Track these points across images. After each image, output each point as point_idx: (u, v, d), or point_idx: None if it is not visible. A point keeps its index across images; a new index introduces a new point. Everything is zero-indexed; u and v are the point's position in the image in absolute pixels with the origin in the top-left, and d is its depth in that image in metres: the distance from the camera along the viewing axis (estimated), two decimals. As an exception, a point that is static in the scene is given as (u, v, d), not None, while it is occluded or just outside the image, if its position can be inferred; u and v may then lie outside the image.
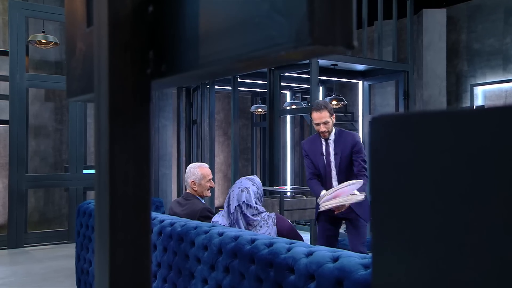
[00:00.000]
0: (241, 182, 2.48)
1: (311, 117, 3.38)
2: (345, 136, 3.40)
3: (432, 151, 0.33)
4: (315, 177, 3.47)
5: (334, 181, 3.40)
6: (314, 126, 3.39)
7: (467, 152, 0.32)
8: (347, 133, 3.43)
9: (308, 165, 3.51)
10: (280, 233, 2.32)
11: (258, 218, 2.36)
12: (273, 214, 2.39)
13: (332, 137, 3.41)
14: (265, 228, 2.32)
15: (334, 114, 3.41)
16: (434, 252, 0.34)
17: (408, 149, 0.34)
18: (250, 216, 2.36)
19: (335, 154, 3.40)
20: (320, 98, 7.06)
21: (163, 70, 0.54)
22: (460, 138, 0.32)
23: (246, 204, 2.38)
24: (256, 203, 2.40)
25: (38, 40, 5.88)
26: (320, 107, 3.34)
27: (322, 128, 3.33)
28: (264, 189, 5.30)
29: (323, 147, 3.41)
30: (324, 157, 3.42)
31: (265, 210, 2.42)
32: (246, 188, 2.43)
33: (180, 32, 0.51)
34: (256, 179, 2.52)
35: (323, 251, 1.56)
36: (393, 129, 0.35)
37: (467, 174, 0.32)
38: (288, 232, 2.34)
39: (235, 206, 2.39)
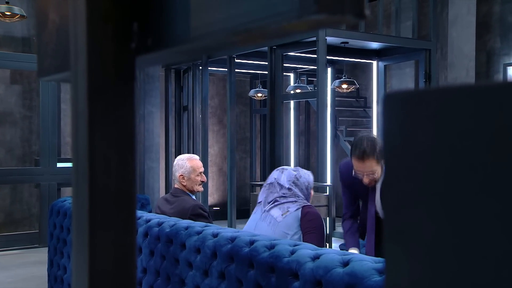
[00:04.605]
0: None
1: (351, 159, 2.68)
2: None
3: (454, 132, 0.34)
4: (352, 219, 2.93)
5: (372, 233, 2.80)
6: (355, 171, 2.67)
7: (493, 132, 0.32)
8: None
9: (345, 202, 2.98)
10: (303, 222, 2.41)
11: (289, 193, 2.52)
12: (306, 202, 2.53)
13: (380, 183, 2.69)
14: (292, 207, 2.46)
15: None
16: (454, 254, 0.35)
17: (427, 130, 0.35)
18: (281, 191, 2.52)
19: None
20: (329, 81, 7.06)
21: (150, 44, 0.54)
22: (486, 117, 0.33)
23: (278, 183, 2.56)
24: (290, 185, 2.54)
25: (1, 12, 5.85)
26: (362, 154, 2.55)
27: (366, 179, 2.64)
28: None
29: (367, 190, 2.78)
30: (369, 203, 2.81)
31: (304, 198, 2.54)
32: (284, 169, 2.64)
33: (168, 1, 0.52)
34: (303, 172, 2.64)
35: (332, 254, 1.58)
36: (409, 107, 0.36)
37: (492, 159, 0.32)
38: (312, 225, 2.42)
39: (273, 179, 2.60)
